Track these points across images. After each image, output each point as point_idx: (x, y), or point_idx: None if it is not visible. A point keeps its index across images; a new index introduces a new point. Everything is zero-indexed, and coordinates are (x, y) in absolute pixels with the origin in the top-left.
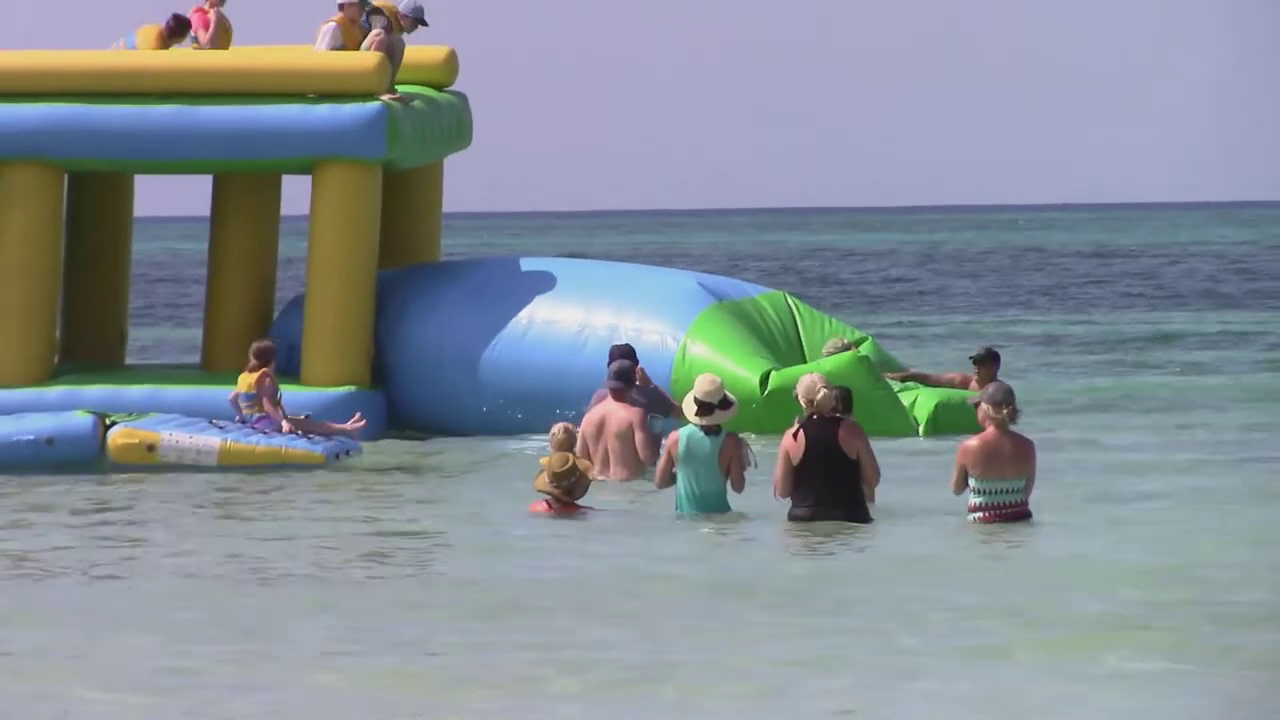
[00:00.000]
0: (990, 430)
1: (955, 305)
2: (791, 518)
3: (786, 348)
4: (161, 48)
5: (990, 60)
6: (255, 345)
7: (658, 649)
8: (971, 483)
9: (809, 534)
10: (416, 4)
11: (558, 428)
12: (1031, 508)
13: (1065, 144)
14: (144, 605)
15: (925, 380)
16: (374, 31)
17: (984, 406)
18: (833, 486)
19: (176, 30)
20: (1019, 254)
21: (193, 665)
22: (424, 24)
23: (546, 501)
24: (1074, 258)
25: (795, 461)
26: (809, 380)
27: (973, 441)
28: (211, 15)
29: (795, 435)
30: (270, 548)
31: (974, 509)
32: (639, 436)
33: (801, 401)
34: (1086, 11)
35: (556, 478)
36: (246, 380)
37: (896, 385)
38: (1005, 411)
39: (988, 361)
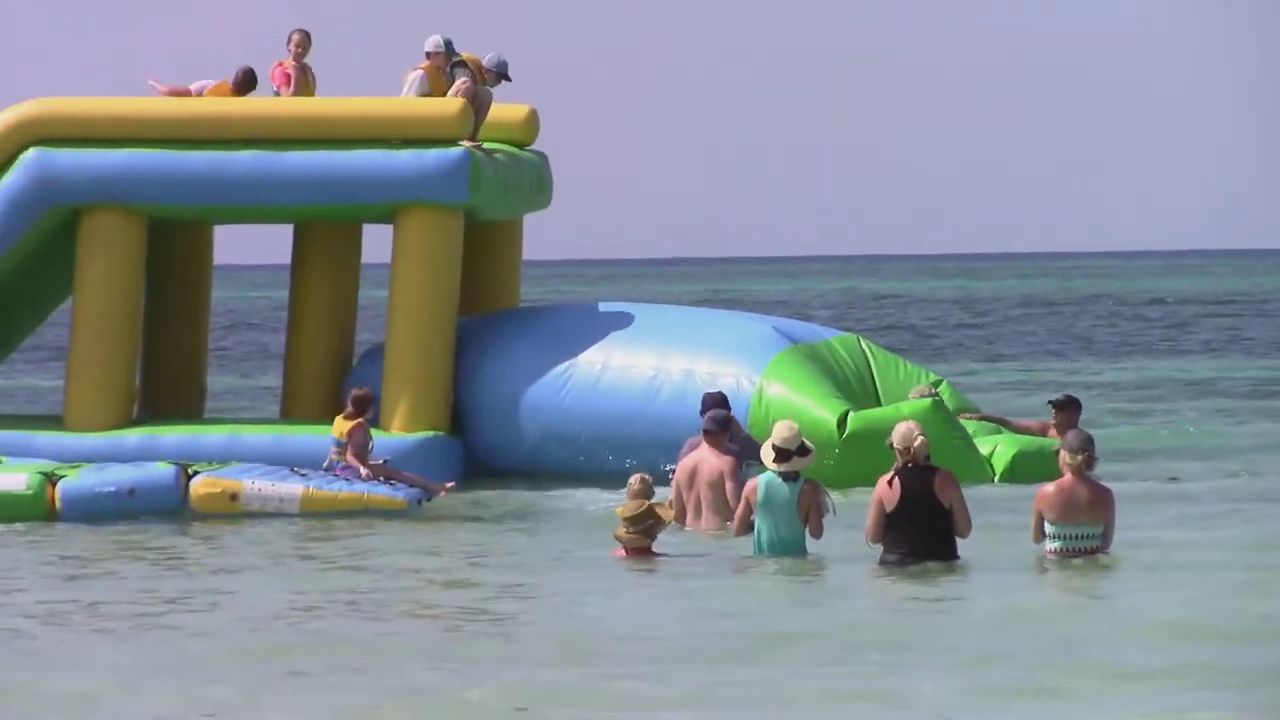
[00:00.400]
0: (1067, 476)
1: (1016, 353)
2: (882, 563)
3: (861, 391)
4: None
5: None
6: (354, 392)
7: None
8: (1048, 528)
9: (902, 580)
10: (500, 59)
11: (635, 479)
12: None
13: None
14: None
15: (1004, 424)
16: (460, 81)
17: (1062, 453)
18: (925, 535)
19: (244, 84)
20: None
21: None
22: (507, 79)
23: (624, 547)
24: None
25: (889, 509)
26: (905, 428)
27: (1049, 487)
28: (292, 70)
29: (890, 482)
30: (351, 596)
31: (1051, 554)
32: (729, 486)
33: (896, 448)
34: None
35: (631, 522)
36: (340, 426)
37: (973, 427)
38: (1081, 458)
39: (1067, 407)
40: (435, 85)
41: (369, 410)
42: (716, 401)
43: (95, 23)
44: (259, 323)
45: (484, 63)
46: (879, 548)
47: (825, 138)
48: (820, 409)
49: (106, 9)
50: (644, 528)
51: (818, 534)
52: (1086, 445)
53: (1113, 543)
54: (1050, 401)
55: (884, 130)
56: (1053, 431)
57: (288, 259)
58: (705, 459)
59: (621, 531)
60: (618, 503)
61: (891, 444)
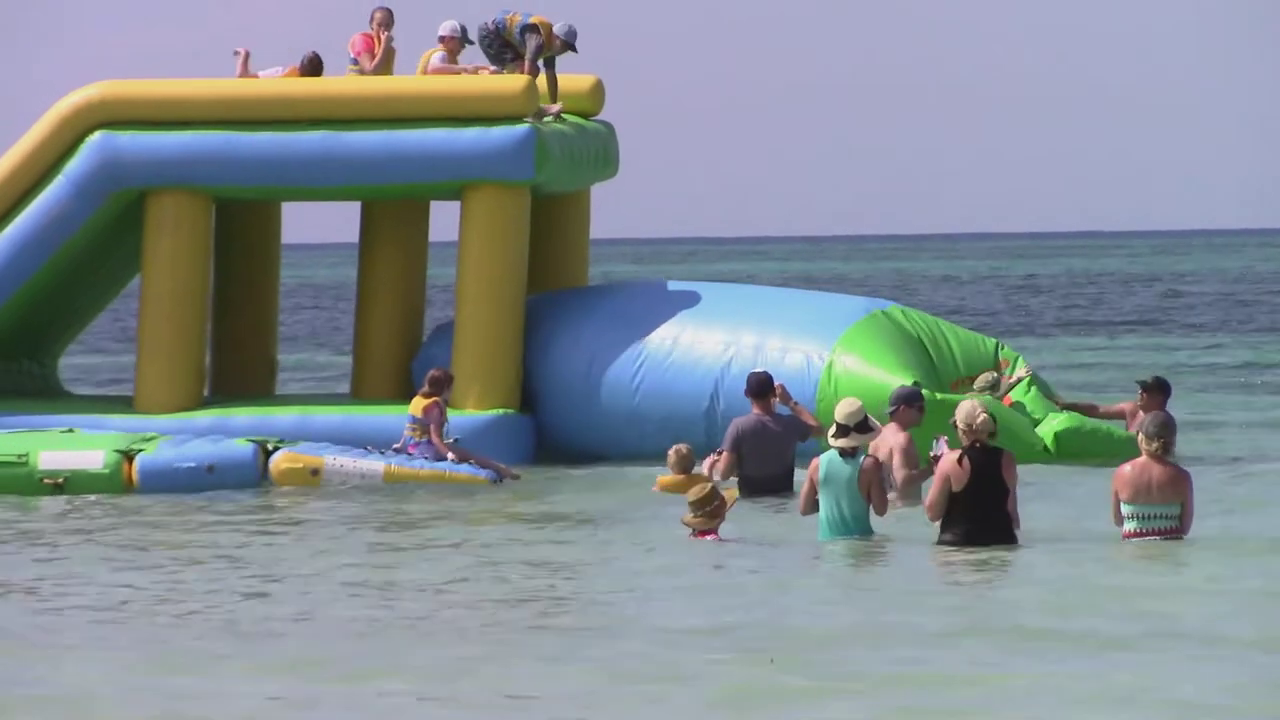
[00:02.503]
0: (1142, 457)
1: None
2: (941, 543)
3: (940, 362)
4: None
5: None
6: (431, 372)
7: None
8: (1124, 508)
9: (967, 560)
10: (571, 28)
11: (673, 451)
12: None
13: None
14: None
15: (1091, 411)
16: (531, 42)
17: (1139, 436)
18: (989, 516)
19: (312, 70)
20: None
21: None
22: (574, 50)
23: (692, 534)
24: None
25: (956, 488)
26: (968, 406)
27: (1125, 466)
28: (381, 39)
29: (960, 460)
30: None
31: (1127, 535)
32: (896, 460)
33: (960, 427)
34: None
35: (696, 505)
36: (418, 404)
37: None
38: (1157, 444)
39: (1154, 390)
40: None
41: (446, 390)
42: (759, 379)
43: (158, 6)
44: (328, 303)
45: (555, 29)
46: (935, 525)
47: (905, 114)
48: (894, 377)
49: None
50: (710, 509)
51: (881, 511)
52: (1164, 429)
53: (1191, 527)
54: (1138, 381)
55: (979, 109)
56: (1140, 414)
57: (355, 237)
58: (882, 440)
59: (688, 516)
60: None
61: (954, 422)
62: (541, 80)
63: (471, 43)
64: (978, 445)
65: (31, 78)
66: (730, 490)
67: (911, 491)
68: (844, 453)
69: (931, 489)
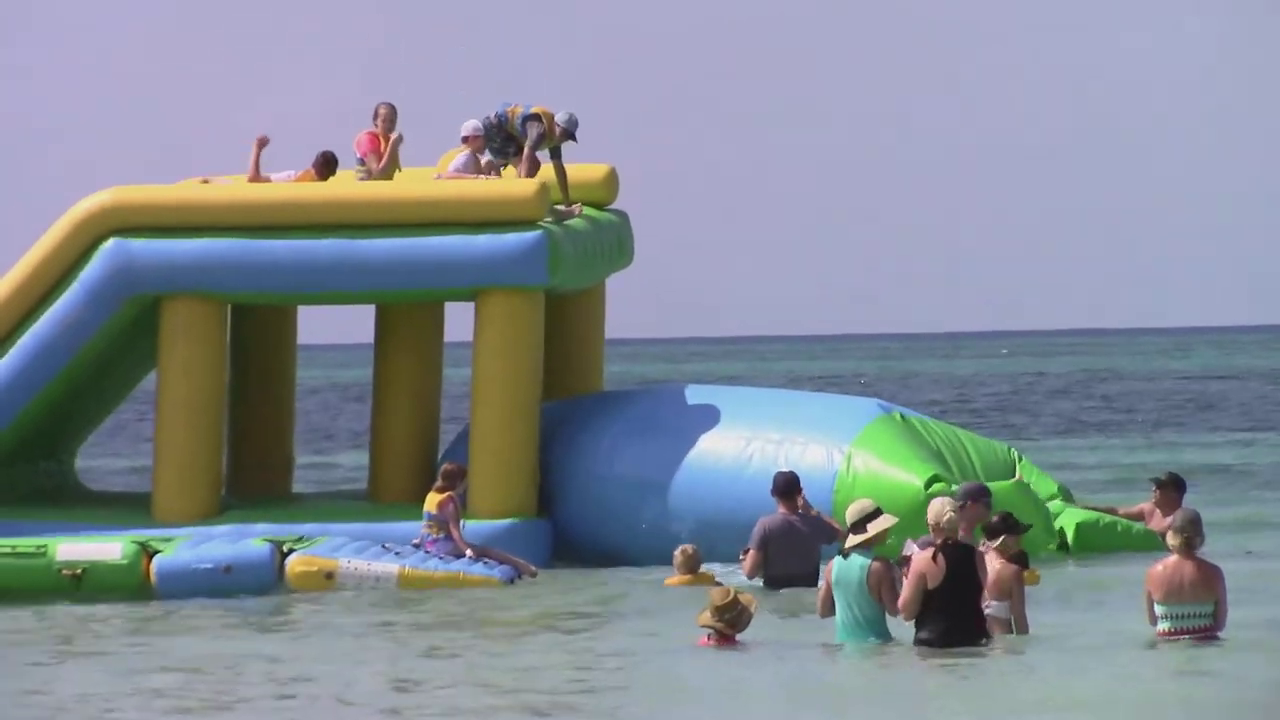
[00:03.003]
0: (1174, 556)
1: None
2: (918, 642)
3: (956, 465)
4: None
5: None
6: (445, 466)
7: None
8: (1157, 608)
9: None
10: (573, 117)
11: (679, 552)
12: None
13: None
14: None
15: (1112, 514)
16: (532, 132)
17: (1169, 534)
18: (964, 613)
19: (326, 167)
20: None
21: None
22: (574, 139)
23: (709, 635)
24: None
25: (931, 585)
26: (938, 504)
27: (1157, 566)
28: (388, 138)
29: (935, 558)
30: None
31: (1161, 635)
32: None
33: (930, 523)
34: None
35: (718, 611)
36: (433, 500)
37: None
38: (1182, 539)
39: (1169, 487)
40: (476, 166)
41: (460, 483)
42: (786, 478)
43: (171, 110)
44: (342, 402)
45: (556, 119)
46: (910, 624)
47: (908, 207)
48: (907, 472)
49: (180, 95)
50: (733, 615)
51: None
52: (1191, 524)
53: (1226, 622)
54: (1152, 479)
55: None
56: (1157, 512)
57: (370, 338)
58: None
59: (708, 618)
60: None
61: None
62: (547, 170)
63: (530, 113)
64: (950, 542)
65: (45, 175)
66: (748, 597)
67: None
68: (855, 551)
69: (905, 588)
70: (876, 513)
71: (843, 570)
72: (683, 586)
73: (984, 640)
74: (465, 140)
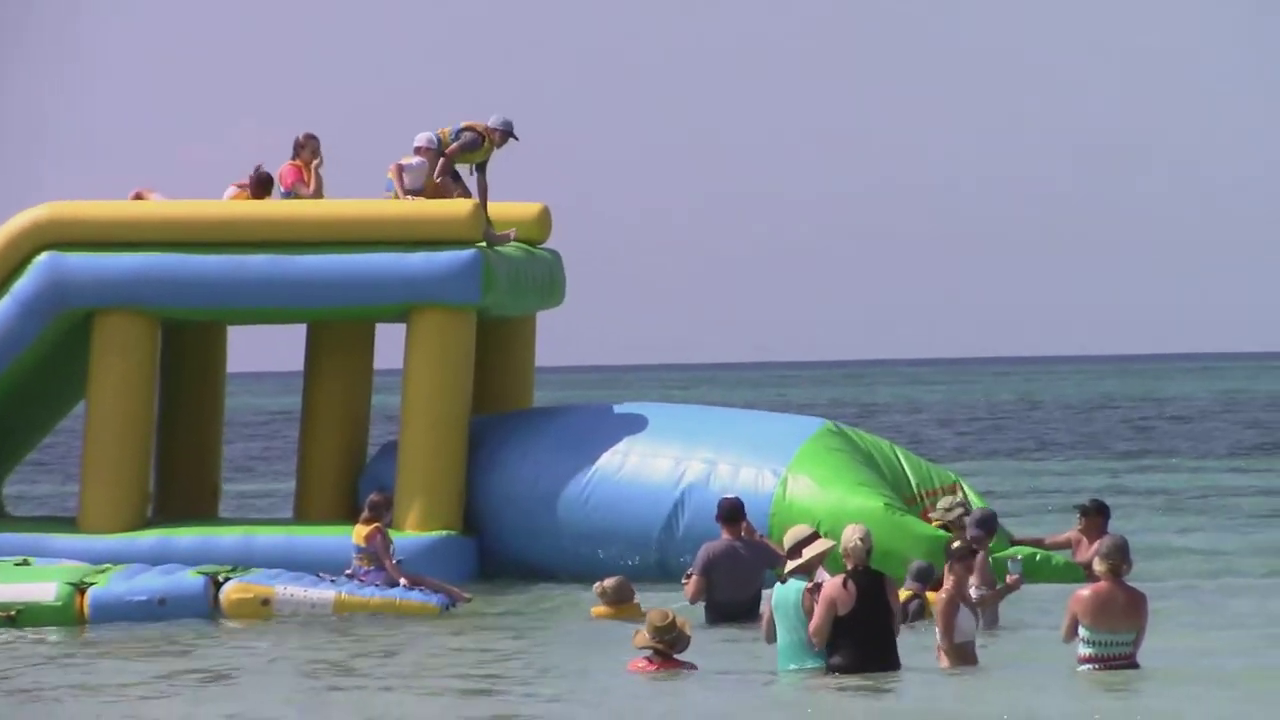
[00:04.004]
0: (1103, 582)
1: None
2: (831, 668)
3: (895, 482)
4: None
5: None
6: (371, 497)
7: None
8: (1082, 632)
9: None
10: (505, 119)
11: (598, 586)
12: (1139, 660)
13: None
14: None
15: (1039, 545)
16: (461, 140)
17: (1096, 559)
18: (876, 640)
19: (259, 184)
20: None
21: None
22: (514, 137)
23: (648, 658)
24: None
25: (842, 612)
26: (849, 530)
27: (1085, 591)
28: (311, 169)
29: (845, 584)
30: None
31: (1084, 659)
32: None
33: (842, 550)
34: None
35: (657, 632)
36: (360, 532)
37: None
38: (1108, 565)
39: (1093, 513)
40: (429, 179)
41: (386, 514)
42: (730, 504)
43: (110, 130)
44: (272, 429)
45: (489, 123)
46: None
47: (861, 242)
48: (854, 497)
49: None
50: (672, 637)
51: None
52: (1118, 551)
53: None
54: (1076, 506)
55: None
56: (1083, 540)
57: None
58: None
59: (645, 638)
60: (643, 603)
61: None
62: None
63: (517, 138)
64: (860, 569)
65: None
66: (684, 620)
67: (988, 612)
68: (791, 577)
69: (815, 614)
70: (813, 537)
71: (781, 595)
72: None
73: (896, 667)
74: (418, 150)
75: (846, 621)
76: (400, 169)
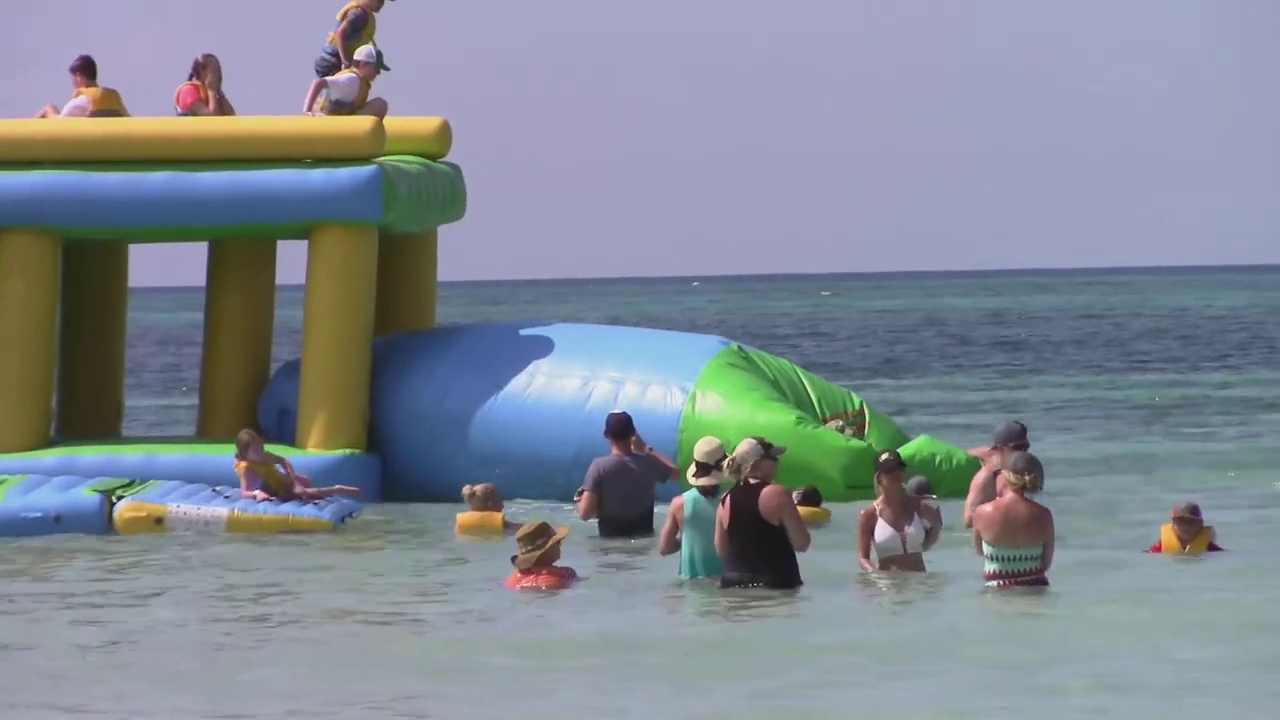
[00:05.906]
0: (1007, 495)
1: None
2: (724, 583)
3: (796, 399)
4: (90, 93)
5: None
6: (240, 435)
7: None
8: (985, 548)
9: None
10: (370, 50)
11: (467, 488)
12: (1048, 576)
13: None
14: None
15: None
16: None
17: (1004, 473)
18: (757, 554)
19: (83, 69)
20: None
21: None
22: (385, 68)
23: (520, 570)
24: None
25: (724, 527)
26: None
27: (987, 507)
28: (211, 95)
29: (724, 502)
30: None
31: (989, 576)
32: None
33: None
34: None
35: (525, 540)
36: (239, 466)
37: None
38: (1027, 479)
39: (1009, 435)
40: (362, 93)
41: (251, 451)
42: (618, 419)
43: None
44: (175, 347)
45: (358, 57)
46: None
47: (753, 145)
48: (763, 412)
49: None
50: (538, 544)
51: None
52: (1032, 466)
53: (1051, 564)
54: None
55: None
56: (994, 455)
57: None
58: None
59: (521, 552)
60: (550, 518)
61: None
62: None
63: (388, 68)
64: (740, 484)
65: None
66: (562, 527)
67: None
68: (706, 491)
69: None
70: (720, 450)
71: (700, 507)
72: (472, 526)
73: (787, 579)
74: (357, 64)
75: (727, 537)
76: (321, 85)
